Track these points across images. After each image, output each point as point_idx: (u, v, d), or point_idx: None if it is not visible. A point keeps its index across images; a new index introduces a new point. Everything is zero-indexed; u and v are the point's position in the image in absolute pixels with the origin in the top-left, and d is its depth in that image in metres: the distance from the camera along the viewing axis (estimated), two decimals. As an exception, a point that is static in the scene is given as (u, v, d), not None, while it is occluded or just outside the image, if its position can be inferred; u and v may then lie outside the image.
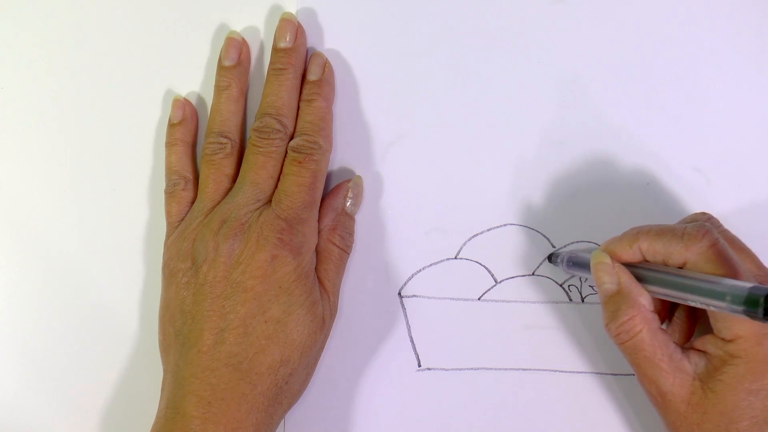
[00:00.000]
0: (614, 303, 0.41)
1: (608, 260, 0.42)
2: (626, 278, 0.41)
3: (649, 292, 0.41)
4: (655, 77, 0.48)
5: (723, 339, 0.39)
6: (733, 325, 0.39)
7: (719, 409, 0.39)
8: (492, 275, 0.48)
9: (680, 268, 0.40)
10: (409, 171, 0.49)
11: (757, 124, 0.48)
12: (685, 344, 0.42)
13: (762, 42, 0.48)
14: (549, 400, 0.47)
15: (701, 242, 0.39)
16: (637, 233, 0.42)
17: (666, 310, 0.43)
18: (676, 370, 0.40)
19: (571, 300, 0.48)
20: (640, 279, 0.41)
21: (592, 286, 0.48)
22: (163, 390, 0.44)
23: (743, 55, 0.48)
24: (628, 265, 0.42)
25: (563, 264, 0.46)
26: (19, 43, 0.51)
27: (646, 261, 0.42)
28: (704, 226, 0.40)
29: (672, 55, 0.48)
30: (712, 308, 0.38)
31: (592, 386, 0.47)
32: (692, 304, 0.39)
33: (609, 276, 0.42)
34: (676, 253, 0.40)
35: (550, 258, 0.47)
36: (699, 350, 0.41)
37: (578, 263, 0.45)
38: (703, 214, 0.44)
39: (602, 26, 0.49)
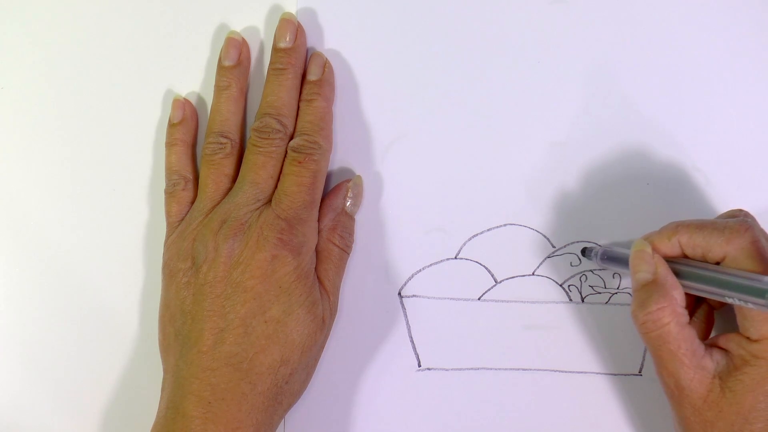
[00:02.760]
0: (646, 292, 0.41)
1: (649, 249, 0.42)
2: (663, 269, 0.41)
3: (683, 287, 0.41)
4: (655, 77, 0.48)
5: (748, 338, 0.39)
6: (762, 325, 0.39)
7: (735, 408, 0.39)
8: (492, 275, 0.48)
9: (718, 263, 0.40)
10: (409, 171, 0.49)
11: (757, 124, 0.48)
12: (707, 340, 0.42)
13: (762, 42, 0.48)
14: (549, 400, 0.47)
15: (743, 237, 0.39)
16: (676, 226, 0.42)
17: (690, 309, 0.43)
18: (697, 367, 0.40)
19: (571, 300, 0.48)
20: (676, 274, 0.41)
21: (592, 286, 0.48)
22: (163, 390, 0.44)
23: (744, 55, 0.48)
24: (667, 260, 0.42)
25: (597, 258, 0.46)
26: (19, 43, 0.51)
27: (685, 256, 0.41)
28: (746, 222, 0.40)
29: (672, 55, 0.48)
30: (749, 305, 0.37)
31: (592, 386, 0.47)
32: (728, 301, 0.39)
33: (646, 265, 0.41)
34: (717, 246, 0.40)
35: (584, 252, 0.47)
36: (721, 348, 0.41)
37: (613, 258, 0.45)
38: (740, 210, 0.44)
39: (601, 27, 0.49)
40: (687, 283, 0.41)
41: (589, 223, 0.48)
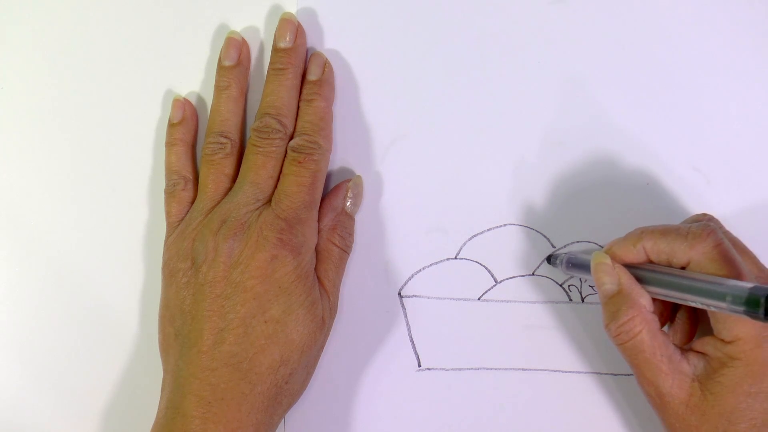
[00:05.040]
0: (614, 303, 0.41)
1: (608, 261, 0.42)
2: (626, 279, 0.41)
3: (649, 293, 0.41)
4: (654, 77, 0.48)
5: (723, 340, 0.39)
6: (733, 326, 0.39)
7: (718, 410, 0.39)
8: (492, 275, 0.48)
9: (683, 268, 0.40)
10: (409, 171, 0.49)
11: (757, 124, 0.48)
12: (685, 345, 0.42)
13: (762, 42, 0.48)
14: (549, 400, 0.47)
15: (706, 242, 0.39)
16: (641, 233, 0.42)
17: (668, 312, 0.43)
18: (675, 372, 0.40)
19: (571, 300, 0.48)
20: (640, 280, 0.41)
21: (592, 286, 0.48)
22: (163, 390, 0.44)
23: (743, 55, 0.48)
24: (629, 267, 0.42)
25: (562, 265, 0.46)
26: (19, 43, 0.51)
27: (650, 261, 0.42)
28: (709, 226, 0.40)
29: (672, 54, 0.48)
30: (712, 309, 0.37)
31: (591, 386, 0.47)
32: (693, 305, 0.39)
33: (609, 276, 0.42)
34: (680, 252, 0.40)
35: (549, 259, 0.47)
36: (698, 352, 0.41)
37: (578, 264, 0.45)
38: (704, 215, 0.44)
39: (602, 26, 0.49)
40: (652, 289, 0.41)
41: (588, 223, 0.48)
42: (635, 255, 0.42)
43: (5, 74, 0.51)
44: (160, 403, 0.44)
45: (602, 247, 0.47)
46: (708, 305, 0.37)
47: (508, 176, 0.49)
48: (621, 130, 0.48)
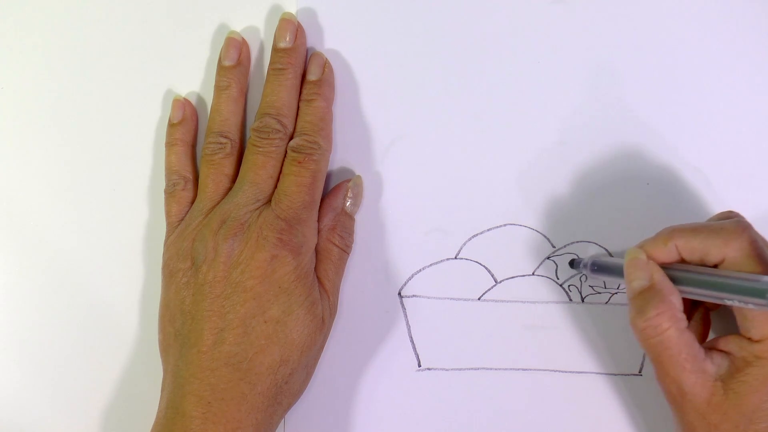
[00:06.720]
0: (643, 299, 0.40)
1: (643, 256, 0.41)
2: (659, 275, 0.41)
3: (681, 292, 0.40)
4: (655, 77, 0.48)
5: (750, 339, 0.39)
6: (764, 325, 0.39)
7: (739, 409, 0.39)
8: (492, 275, 0.48)
9: (715, 266, 0.40)
10: (409, 171, 0.49)
11: (757, 124, 0.48)
12: (706, 344, 0.42)
13: (762, 42, 0.48)
14: (549, 400, 0.47)
15: (741, 238, 0.39)
16: (671, 231, 0.41)
17: (686, 312, 0.43)
18: (699, 371, 0.40)
19: (571, 300, 0.48)
20: (673, 280, 0.41)
21: (592, 287, 0.48)
22: (163, 390, 0.44)
23: (744, 55, 0.48)
24: (661, 266, 0.41)
25: (587, 269, 0.45)
26: (19, 43, 0.51)
27: (682, 260, 0.41)
28: (743, 222, 0.40)
29: (672, 55, 0.48)
30: (750, 306, 0.37)
31: (592, 386, 0.47)
32: (728, 303, 0.38)
33: (642, 272, 0.41)
34: (715, 249, 0.39)
35: (572, 264, 0.47)
36: (722, 351, 0.40)
37: (603, 267, 0.44)
38: (731, 212, 0.43)
39: (602, 26, 0.49)
40: (684, 288, 0.40)
41: (589, 223, 0.48)
42: (667, 254, 0.41)
43: (5, 74, 0.51)
44: (160, 403, 0.44)
45: (602, 247, 0.47)
46: (746, 302, 0.37)
47: (508, 176, 0.49)
48: (621, 130, 0.48)
